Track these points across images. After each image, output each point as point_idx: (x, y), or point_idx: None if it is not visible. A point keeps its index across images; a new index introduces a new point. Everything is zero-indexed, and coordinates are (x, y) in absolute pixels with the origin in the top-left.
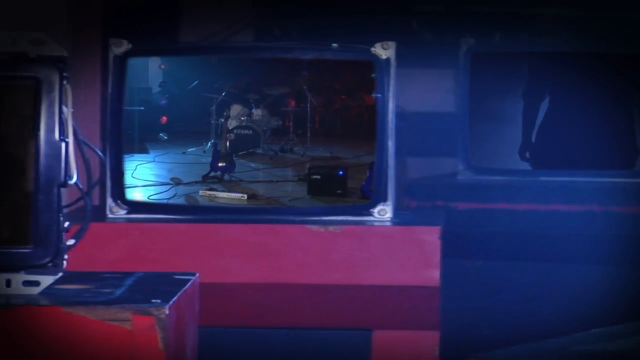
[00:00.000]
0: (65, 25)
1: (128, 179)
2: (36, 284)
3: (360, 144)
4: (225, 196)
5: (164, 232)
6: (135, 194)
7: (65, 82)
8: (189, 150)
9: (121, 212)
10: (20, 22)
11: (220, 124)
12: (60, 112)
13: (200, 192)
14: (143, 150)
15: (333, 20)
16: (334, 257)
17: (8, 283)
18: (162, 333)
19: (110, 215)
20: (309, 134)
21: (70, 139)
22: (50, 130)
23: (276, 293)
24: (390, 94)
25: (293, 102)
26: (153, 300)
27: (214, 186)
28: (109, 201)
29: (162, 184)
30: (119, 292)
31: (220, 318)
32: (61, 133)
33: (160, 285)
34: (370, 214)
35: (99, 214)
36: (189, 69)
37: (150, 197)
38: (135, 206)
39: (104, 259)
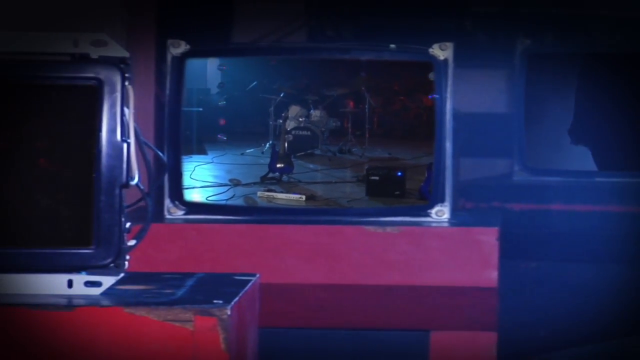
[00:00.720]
0: (120, 25)
1: (186, 180)
2: (98, 284)
3: (418, 144)
4: (283, 197)
5: (221, 232)
6: (194, 195)
7: (126, 83)
8: (248, 151)
9: (179, 213)
10: (75, 22)
11: (279, 125)
12: (122, 113)
13: (259, 193)
14: (201, 152)
15: (389, 21)
16: (392, 258)
17: (70, 284)
18: (224, 334)
19: (168, 216)
20: (367, 135)
21: (132, 140)
22: (112, 131)
23: (334, 294)
24: (448, 95)
25: (351, 103)
26: (215, 301)
27: (273, 187)
28: (167, 202)
29: (221, 185)
30: (180, 292)
31: (278, 319)
32: (123, 134)
33: (221, 286)
34: (428, 215)
35: (157, 214)
36: (248, 69)
37: (209, 198)
38: (193, 207)
39: (161, 260)
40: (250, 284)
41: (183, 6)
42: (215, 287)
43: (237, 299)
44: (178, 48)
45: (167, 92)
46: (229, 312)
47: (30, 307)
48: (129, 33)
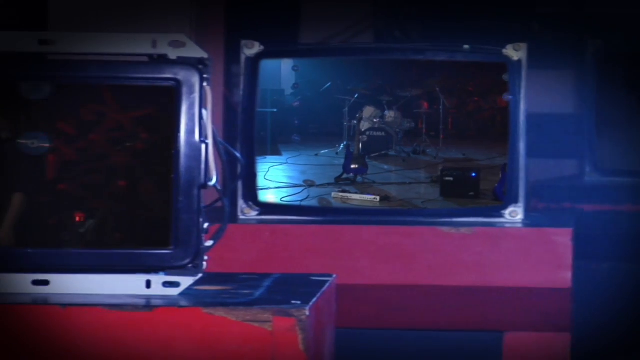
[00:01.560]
0: (189, 27)
1: (261, 181)
2: (176, 285)
3: (492, 145)
4: (357, 198)
5: (295, 233)
6: (268, 196)
7: (205, 84)
8: (322, 152)
9: (252, 214)
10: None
11: (353, 125)
12: (200, 114)
13: (333, 194)
14: (276, 152)
15: (456, 22)
16: (466, 258)
17: (148, 284)
18: (303, 334)
19: (241, 217)
20: (441, 136)
21: (210, 141)
22: (190, 132)
23: (408, 294)
24: (522, 96)
25: (426, 104)
26: (293, 302)
27: (347, 188)
28: (241, 202)
29: (295, 185)
30: (258, 293)
31: (352, 319)
32: (201, 135)
33: (298, 287)
34: (502, 216)
35: (231, 215)
36: (322, 70)
37: (283, 199)
38: (267, 208)
39: (235, 260)
40: (327, 284)
41: (255, 7)
42: (293, 288)
43: (315, 299)
44: (252, 49)
45: (241, 92)
46: (307, 313)
47: (109, 308)
48: (198, 34)
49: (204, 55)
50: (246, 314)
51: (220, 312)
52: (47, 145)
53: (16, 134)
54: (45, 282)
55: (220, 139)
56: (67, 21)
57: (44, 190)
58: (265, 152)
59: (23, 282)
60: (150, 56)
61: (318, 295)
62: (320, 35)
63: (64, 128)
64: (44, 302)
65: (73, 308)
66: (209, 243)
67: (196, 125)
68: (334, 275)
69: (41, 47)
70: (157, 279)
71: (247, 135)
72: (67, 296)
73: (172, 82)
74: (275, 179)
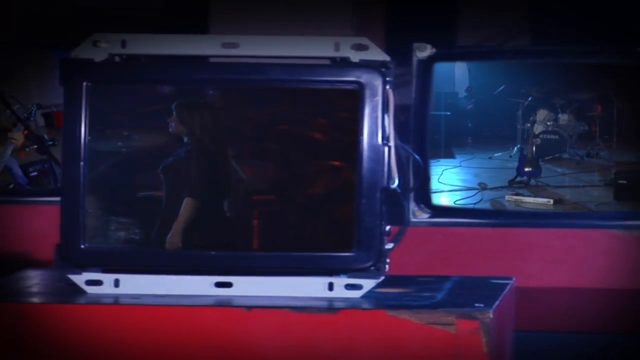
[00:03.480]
0: (350, 29)
1: (434, 184)
2: (358, 287)
3: None
4: (531, 201)
5: (467, 236)
6: (441, 199)
7: (387, 87)
8: (495, 155)
9: (424, 216)
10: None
11: (527, 128)
12: (383, 117)
13: (507, 197)
14: (449, 155)
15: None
16: None
17: (330, 286)
18: (486, 337)
19: (413, 219)
20: (615, 139)
21: (392, 144)
22: (372, 135)
23: (581, 298)
24: None
25: (599, 107)
26: (476, 305)
27: (520, 191)
28: (412, 205)
29: (468, 188)
30: (440, 295)
31: (524, 322)
32: (383, 138)
33: (479, 289)
34: None
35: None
36: (495, 73)
37: (457, 202)
38: (439, 210)
39: (407, 262)
40: (508, 287)
41: (421, 10)
42: (474, 291)
43: (497, 302)
44: (424, 51)
45: (413, 95)
46: (491, 316)
47: (293, 310)
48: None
49: (387, 58)
50: (429, 317)
51: (403, 315)
52: (230, 148)
53: (199, 138)
54: (228, 285)
55: (400, 142)
56: (228, 25)
57: (227, 194)
58: (438, 155)
59: (206, 284)
60: (332, 59)
61: (500, 298)
62: (477, 38)
63: (245, 131)
64: (227, 304)
65: (258, 310)
66: (389, 245)
67: (379, 128)
68: (514, 278)
69: (224, 50)
70: (340, 282)
71: (421, 138)
72: (250, 298)
73: (355, 85)
74: (449, 182)
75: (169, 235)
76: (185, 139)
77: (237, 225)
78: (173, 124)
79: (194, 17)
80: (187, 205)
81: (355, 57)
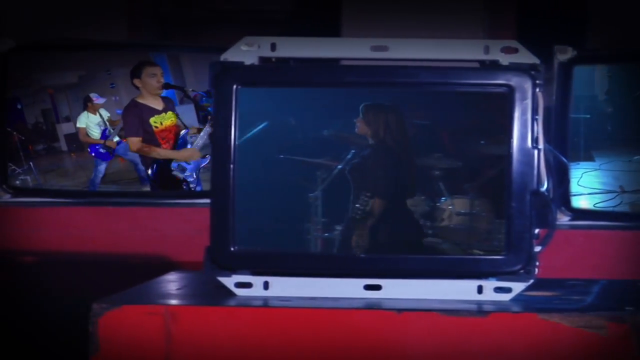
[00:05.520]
0: (482, 32)
1: (574, 187)
2: (508, 290)
3: None
4: None
5: (607, 239)
6: (581, 202)
7: (537, 90)
8: (635, 158)
9: (564, 219)
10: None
11: None
12: (533, 120)
13: None
14: (589, 158)
15: None
16: None
17: (480, 289)
18: (638, 340)
19: None
20: None
21: (541, 147)
22: (523, 138)
23: None
24: None
25: None
26: (627, 308)
27: None
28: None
29: (608, 191)
30: (589, 299)
31: None
32: (533, 141)
33: (627, 293)
34: None
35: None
36: (635, 76)
37: (596, 205)
38: (579, 213)
39: (546, 265)
40: None
41: (557, 12)
42: (622, 294)
43: None
44: (565, 54)
45: (554, 98)
46: None
47: (444, 313)
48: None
49: (536, 61)
50: (579, 320)
51: (554, 318)
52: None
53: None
54: (378, 287)
55: (547, 145)
56: (360, 27)
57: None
58: (578, 158)
59: (355, 287)
60: (482, 62)
61: None
62: (605, 40)
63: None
64: (378, 307)
65: (409, 313)
66: (537, 248)
67: (529, 131)
68: None
69: (374, 53)
70: (489, 285)
71: (562, 141)
72: (398, 301)
73: (505, 88)
74: (588, 185)
75: (355, 234)
76: (370, 140)
77: (389, 229)
78: (359, 124)
79: (326, 19)
80: (373, 205)
81: (505, 60)
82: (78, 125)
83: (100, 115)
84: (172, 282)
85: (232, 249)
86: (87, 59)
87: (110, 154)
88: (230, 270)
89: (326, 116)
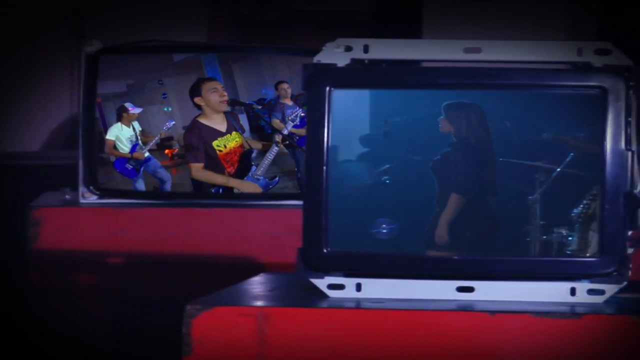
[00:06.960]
0: (564, 33)
1: None
2: (601, 292)
3: None
4: None
5: None
6: None
7: (630, 92)
8: None
9: None
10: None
11: None
12: (626, 122)
13: None
14: None
15: None
16: None
17: (573, 291)
18: None
19: None
20: None
21: (634, 148)
22: (616, 140)
23: None
24: None
25: None
26: None
27: None
28: None
29: None
30: None
31: None
32: (627, 143)
33: None
34: None
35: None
36: None
37: None
38: None
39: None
40: None
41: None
42: None
43: None
44: None
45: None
46: None
47: (537, 315)
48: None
49: (630, 62)
50: None
51: None
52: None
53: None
54: (470, 289)
55: (634, 148)
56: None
57: (491, 194)
58: None
59: (448, 289)
60: (574, 64)
61: None
62: None
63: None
64: (470, 309)
65: (501, 315)
66: (629, 250)
67: (622, 133)
68: None
69: (467, 55)
70: (582, 287)
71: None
72: (491, 303)
73: (597, 90)
74: None
75: (436, 230)
76: (454, 138)
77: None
78: (442, 123)
79: (406, 21)
80: (452, 201)
81: (598, 62)
82: (107, 137)
83: (134, 128)
84: (263, 283)
85: (324, 250)
86: (168, 62)
87: (137, 170)
88: (322, 272)
89: (422, 118)
